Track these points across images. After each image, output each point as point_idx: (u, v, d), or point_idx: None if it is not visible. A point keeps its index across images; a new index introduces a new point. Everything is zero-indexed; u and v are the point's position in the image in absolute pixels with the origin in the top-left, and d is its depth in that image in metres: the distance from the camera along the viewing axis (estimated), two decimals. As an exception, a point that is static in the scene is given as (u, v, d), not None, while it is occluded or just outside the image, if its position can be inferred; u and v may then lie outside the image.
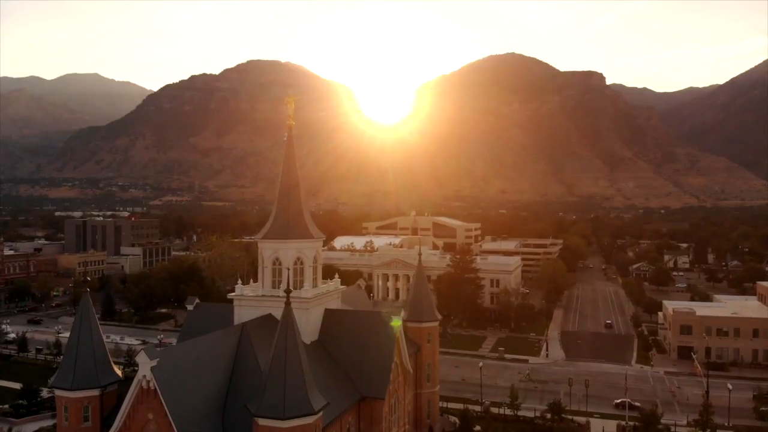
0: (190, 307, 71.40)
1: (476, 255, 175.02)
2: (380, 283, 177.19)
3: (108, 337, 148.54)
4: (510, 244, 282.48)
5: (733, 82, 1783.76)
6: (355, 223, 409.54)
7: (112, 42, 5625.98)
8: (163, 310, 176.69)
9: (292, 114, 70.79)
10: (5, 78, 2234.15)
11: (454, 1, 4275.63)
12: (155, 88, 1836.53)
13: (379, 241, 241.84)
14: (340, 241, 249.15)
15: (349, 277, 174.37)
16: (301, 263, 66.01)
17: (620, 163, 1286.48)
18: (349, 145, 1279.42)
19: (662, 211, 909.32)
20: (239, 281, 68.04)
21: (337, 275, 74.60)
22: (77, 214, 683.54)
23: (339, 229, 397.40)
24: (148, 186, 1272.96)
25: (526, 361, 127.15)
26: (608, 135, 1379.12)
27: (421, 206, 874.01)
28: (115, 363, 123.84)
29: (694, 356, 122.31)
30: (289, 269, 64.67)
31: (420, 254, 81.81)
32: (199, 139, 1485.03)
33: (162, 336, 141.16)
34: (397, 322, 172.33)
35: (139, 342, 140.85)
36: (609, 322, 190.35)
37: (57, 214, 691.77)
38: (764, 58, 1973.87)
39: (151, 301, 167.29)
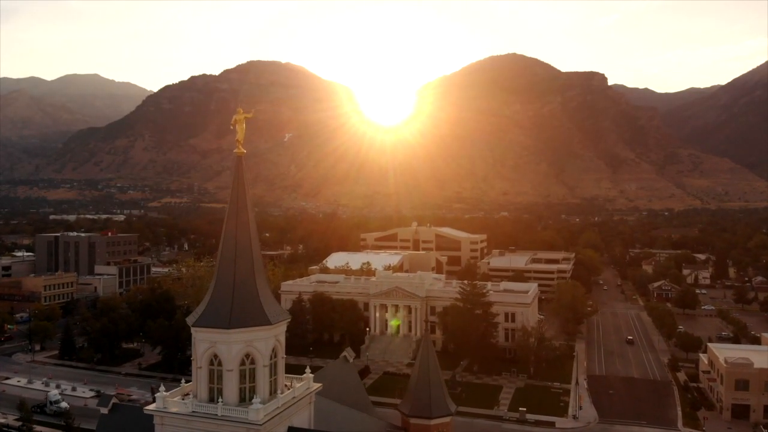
0: (103, 411, 51.27)
1: (487, 287, 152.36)
2: (378, 314, 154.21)
3: (58, 386, 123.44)
4: (520, 260, 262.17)
5: (735, 83, 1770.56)
6: (354, 231, 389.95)
7: (112, 43, 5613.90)
8: (132, 345, 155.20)
9: (242, 138, 49.04)
10: (5, 79, 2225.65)
11: (455, 2, 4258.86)
12: (155, 89, 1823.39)
13: (378, 260, 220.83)
14: (334, 259, 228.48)
15: (342, 309, 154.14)
16: (252, 362, 44.48)
17: (623, 165, 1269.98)
18: (350, 146, 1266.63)
19: (666, 213, 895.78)
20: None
21: (308, 369, 52.77)
22: (72, 217, 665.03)
23: (336, 239, 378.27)
24: (147, 187, 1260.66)
25: (553, 424, 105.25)
26: (610, 136, 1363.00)
27: (422, 207, 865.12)
28: (52, 427, 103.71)
29: (764, 431, 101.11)
30: (232, 371, 43.70)
31: (427, 321, 60.89)
32: (199, 140, 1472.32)
33: (116, 398, 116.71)
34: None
35: (92, 394, 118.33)
36: (630, 338, 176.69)
37: (52, 217, 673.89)
38: (766, 59, 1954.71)
39: (115, 338, 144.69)
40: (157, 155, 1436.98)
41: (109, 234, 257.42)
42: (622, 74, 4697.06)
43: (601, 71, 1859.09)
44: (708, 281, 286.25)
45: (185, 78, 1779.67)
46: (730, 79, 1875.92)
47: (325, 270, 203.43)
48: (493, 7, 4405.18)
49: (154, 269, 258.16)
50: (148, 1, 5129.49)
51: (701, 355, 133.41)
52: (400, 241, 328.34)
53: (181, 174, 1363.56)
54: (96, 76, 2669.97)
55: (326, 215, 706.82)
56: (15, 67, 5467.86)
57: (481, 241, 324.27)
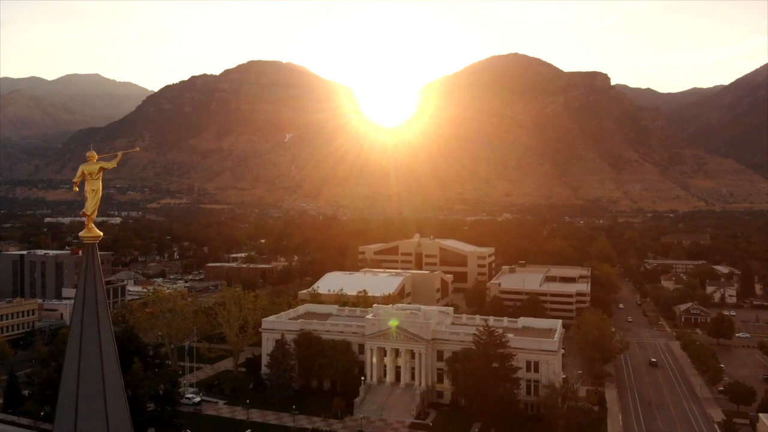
0: None
1: (503, 325, 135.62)
2: (374, 359, 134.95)
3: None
4: (533, 278, 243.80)
5: (738, 83, 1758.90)
6: (353, 239, 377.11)
7: (112, 42, 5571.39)
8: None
9: (95, 210, 29.45)
10: (5, 78, 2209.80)
11: (457, 2, 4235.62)
12: (155, 89, 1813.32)
13: (376, 284, 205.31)
14: (327, 282, 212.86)
15: (334, 352, 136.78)
16: None
17: (626, 166, 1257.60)
18: (351, 146, 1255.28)
19: (671, 215, 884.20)
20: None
21: None
22: (66, 220, 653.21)
23: (334, 248, 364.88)
24: (146, 188, 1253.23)
25: None
26: (613, 136, 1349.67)
27: (424, 209, 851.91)
28: None
29: None
30: None
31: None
32: (199, 141, 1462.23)
33: None
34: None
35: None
36: (654, 360, 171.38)
37: (47, 220, 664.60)
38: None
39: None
40: (157, 156, 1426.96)
41: (80, 253, 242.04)
42: (624, 74, 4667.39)
43: (603, 71, 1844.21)
44: (734, 299, 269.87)
45: (185, 78, 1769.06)
46: (733, 79, 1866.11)
47: (316, 296, 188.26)
48: (495, 7, 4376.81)
49: (131, 289, 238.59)
50: (149, 1, 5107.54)
51: (762, 416, 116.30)
52: (402, 254, 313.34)
53: (181, 174, 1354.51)
54: (96, 75, 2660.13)
55: (326, 217, 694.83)
56: (15, 67, 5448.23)
57: (489, 255, 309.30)
